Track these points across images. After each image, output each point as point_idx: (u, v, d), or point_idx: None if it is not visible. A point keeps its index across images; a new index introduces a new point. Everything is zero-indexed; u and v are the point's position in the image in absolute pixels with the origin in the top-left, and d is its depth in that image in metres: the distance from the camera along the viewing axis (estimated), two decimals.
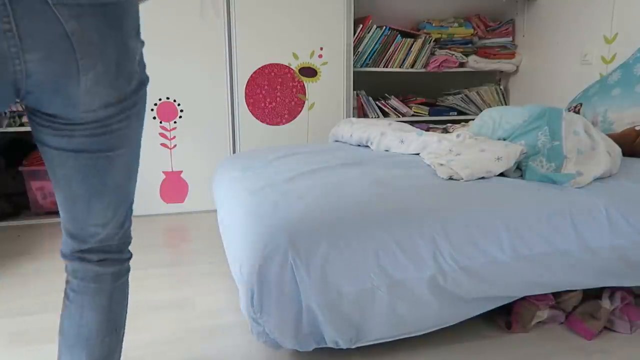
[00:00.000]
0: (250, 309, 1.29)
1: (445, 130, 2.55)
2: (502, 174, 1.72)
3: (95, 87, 0.79)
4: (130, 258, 1.05)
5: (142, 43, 0.87)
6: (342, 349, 1.43)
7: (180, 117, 2.83)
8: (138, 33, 0.84)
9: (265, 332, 1.34)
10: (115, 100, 0.82)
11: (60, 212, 0.96)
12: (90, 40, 0.75)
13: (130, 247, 1.05)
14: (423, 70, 3.29)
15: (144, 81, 0.88)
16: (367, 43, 3.13)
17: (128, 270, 1.04)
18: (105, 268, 0.98)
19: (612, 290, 1.64)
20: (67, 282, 0.98)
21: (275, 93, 2.97)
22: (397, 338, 1.43)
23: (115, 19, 0.77)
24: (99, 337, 0.97)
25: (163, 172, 2.88)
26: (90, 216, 0.94)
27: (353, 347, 1.40)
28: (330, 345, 1.38)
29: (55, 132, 0.84)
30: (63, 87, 0.77)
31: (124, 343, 1.10)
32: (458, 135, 2.05)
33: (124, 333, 1.05)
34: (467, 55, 3.38)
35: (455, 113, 3.43)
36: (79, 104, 0.80)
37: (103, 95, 0.80)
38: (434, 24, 3.32)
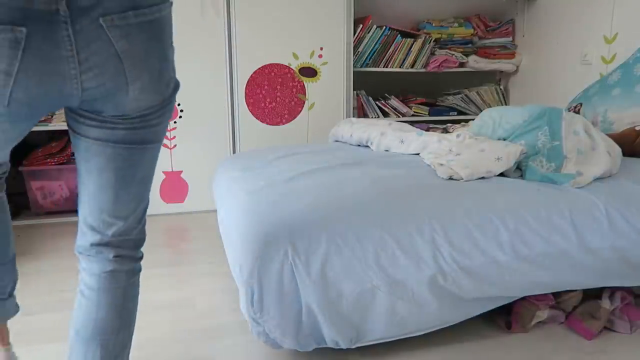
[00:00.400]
0: (250, 308, 1.29)
1: (445, 130, 2.55)
2: (502, 174, 1.72)
3: (141, 94, 0.87)
4: (142, 258, 1.09)
5: (174, 49, 0.94)
6: (342, 349, 1.43)
7: (181, 117, 2.83)
8: (172, 42, 0.92)
9: (265, 332, 1.34)
10: (158, 103, 0.91)
11: (84, 204, 1.00)
12: (137, 55, 0.83)
13: (143, 248, 1.10)
14: (423, 70, 3.29)
15: (177, 84, 0.97)
16: (367, 43, 3.13)
17: (140, 269, 1.09)
18: (120, 265, 1.03)
19: (612, 290, 1.64)
20: (82, 279, 1.03)
21: (275, 93, 2.97)
22: (397, 338, 1.43)
23: (158, 33, 0.85)
24: (114, 332, 1.02)
25: (163, 172, 2.88)
26: (116, 206, 0.99)
27: (353, 347, 1.40)
28: (330, 345, 1.38)
29: (99, 125, 0.91)
30: (112, 96, 0.85)
31: None
32: (458, 135, 2.05)
33: (134, 328, 1.09)
34: (467, 55, 3.38)
35: (455, 113, 3.43)
36: (128, 109, 0.88)
37: (148, 100, 0.89)
38: (434, 24, 3.32)
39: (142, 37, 0.83)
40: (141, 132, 0.93)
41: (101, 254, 1.02)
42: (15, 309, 1.22)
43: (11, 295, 1.19)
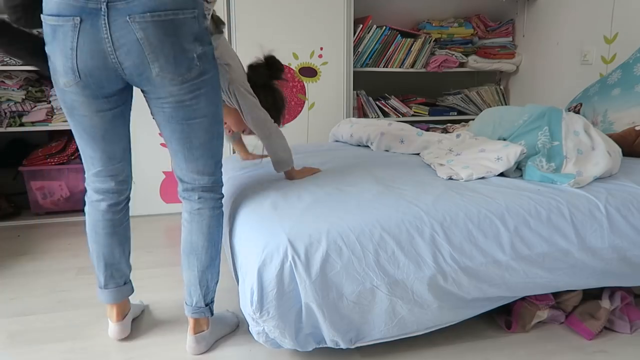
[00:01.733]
0: (250, 308, 1.29)
1: (445, 130, 2.55)
2: (502, 174, 1.72)
3: (162, 72, 1.20)
4: (221, 197, 1.46)
5: (205, 46, 1.24)
6: (342, 349, 1.43)
7: None
8: (197, 39, 1.21)
9: (265, 332, 1.34)
10: (179, 81, 1.22)
11: (172, 162, 1.41)
12: (152, 43, 1.16)
13: (220, 193, 1.46)
14: (423, 70, 3.29)
15: (203, 71, 1.24)
16: (367, 43, 3.13)
17: (221, 205, 1.46)
18: (202, 204, 1.41)
19: (612, 290, 1.64)
20: (182, 214, 1.45)
21: None
22: (397, 338, 1.43)
23: (171, 29, 1.16)
24: (202, 249, 1.42)
25: (163, 172, 2.88)
26: (188, 165, 1.37)
27: (353, 347, 1.40)
28: (330, 345, 1.38)
29: (156, 106, 1.30)
30: (143, 72, 1.20)
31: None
32: (458, 136, 2.05)
33: (221, 247, 1.47)
34: (467, 55, 3.38)
35: (455, 113, 3.43)
36: (156, 83, 1.22)
37: (168, 78, 1.21)
38: (434, 24, 3.32)
39: (157, 31, 1.14)
40: (182, 112, 1.27)
41: (189, 197, 1.43)
42: (131, 291, 1.61)
43: (126, 282, 1.59)
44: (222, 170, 1.45)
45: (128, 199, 1.53)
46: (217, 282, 1.49)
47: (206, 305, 1.47)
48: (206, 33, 1.25)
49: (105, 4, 1.12)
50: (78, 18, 1.14)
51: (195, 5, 1.18)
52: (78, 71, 1.20)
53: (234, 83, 1.59)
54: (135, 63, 1.18)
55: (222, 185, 1.46)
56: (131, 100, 1.41)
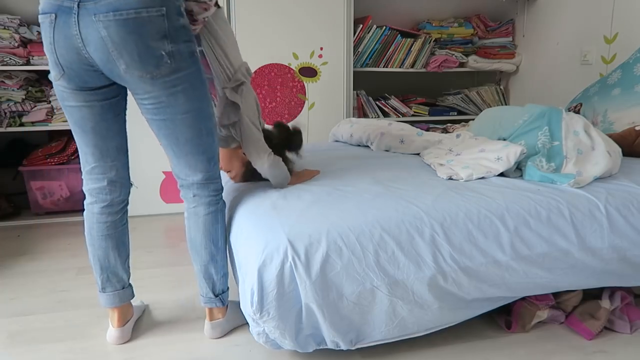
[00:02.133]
0: (250, 309, 1.29)
1: (445, 130, 2.55)
2: (502, 174, 1.72)
3: (129, 69, 1.22)
4: (217, 195, 1.47)
5: (179, 44, 1.24)
6: (342, 351, 1.43)
7: None
8: (166, 36, 1.21)
9: (265, 332, 1.34)
10: (149, 77, 1.24)
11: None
12: (114, 41, 1.19)
13: (216, 191, 1.47)
14: (423, 70, 3.29)
15: (177, 69, 1.25)
16: (367, 43, 3.13)
17: (217, 203, 1.47)
18: (197, 202, 1.45)
19: (612, 290, 1.64)
20: (184, 211, 1.49)
21: (275, 93, 2.97)
22: (398, 339, 1.43)
23: (133, 27, 1.18)
24: (200, 246, 1.47)
25: (163, 172, 2.88)
26: (179, 160, 1.40)
27: (353, 348, 1.40)
28: (330, 346, 1.38)
29: (139, 104, 1.33)
30: (112, 68, 1.24)
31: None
32: (458, 136, 2.05)
33: (223, 246, 1.50)
34: (467, 55, 3.38)
35: (455, 113, 3.42)
36: (128, 80, 1.25)
37: (137, 75, 1.23)
38: (434, 24, 3.32)
39: (119, 29, 1.18)
40: (162, 110, 1.29)
41: (185, 196, 1.47)
42: (131, 295, 1.61)
43: (125, 287, 1.58)
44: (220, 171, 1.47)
45: (124, 202, 1.53)
46: (225, 274, 1.53)
47: (216, 295, 1.52)
48: (181, 30, 1.24)
49: (77, 3, 1.18)
50: (54, 15, 1.21)
51: (163, 3, 1.19)
52: (61, 65, 1.26)
53: (242, 116, 1.57)
54: (103, 59, 1.22)
55: (219, 183, 1.47)
56: (124, 100, 1.43)
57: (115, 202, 1.49)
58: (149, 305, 1.79)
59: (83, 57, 1.23)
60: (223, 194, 1.52)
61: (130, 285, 1.60)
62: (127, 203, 1.55)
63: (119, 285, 1.55)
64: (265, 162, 1.58)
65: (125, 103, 1.44)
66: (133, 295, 1.61)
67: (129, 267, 1.59)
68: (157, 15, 1.19)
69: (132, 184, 1.55)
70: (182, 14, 1.25)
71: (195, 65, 1.30)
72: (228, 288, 1.57)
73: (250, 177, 1.70)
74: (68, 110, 1.36)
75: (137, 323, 1.67)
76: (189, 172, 1.41)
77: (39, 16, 1.25)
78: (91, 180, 1.46)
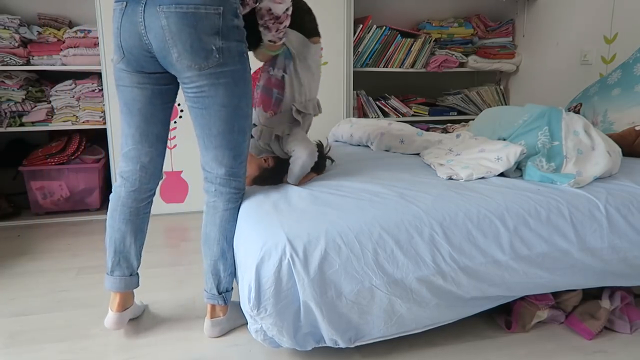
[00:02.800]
0: (247, 305, 1.30)
1: (445, 130, 2.55)
2: (502, 174, 1.72)
3: (180, 58, 1.33)
4: (239, 193, 1.52)
5: (230, 42, 1.35)
6: (342, 349, 1.43)
7: (181, 117, 2.82)
8: (219, 33, 1.32)
9: (263, 329, 1.34)
10: (196, 68, 1.34)
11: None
12: (172, 30, 1.30)
13: (237, 189, 1.51)
14: (423, 70, 3.29)
15: (223, 63, 1.35)
16: (367, 43, 3.13)
17: (237, 201, 1.52)
18: (218, 197, 1.50)
19: (612, 290, 1.64)
20: (204, 205, 1.54)
21: None
22: (397, 336, 1.43)
23: (191, 21, 1.29)
24: (214, 241, 1.51)
25: (164, 172, 2.88)
26: (207, 152, 1.47)
27: (352, 346, 1.40)
28: (329, 344, 1.38)
29: (184, 91, 1.42)
30: (166, 55, 1.34)
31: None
32: (458, 136, 2.05)
33: (233, 245, 1.52)
34: (467, 55, 3.38)
35: (455, 113, 3.42)
36: (178, 68, 1.36)
37: (186, 64, 1.33)
38: (434, 24, 3.32)
39: (177, 21, 1.29)
40: (201, 100, 1.38)
41: (208, 189, 1.52)
42: (136, 284, 1.64)
43: (132, 274, 1.61)
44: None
45: (152, 192, 1.58)
46: (232, 273, 1.54)
47: (219, 293, 1.53)
48: (234, 30, 1.35)
49: None
50: (125, 3, 1.34)
51: (221, 3, 1.31)
52: (122, 49, 1.38)
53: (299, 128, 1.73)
54: (159, 46, 1.33)
55: (241, 182, 1.52)
56: (174, 91, 1.50)
57: (143, 189, 1.54)
58: (149, 305, 1.79)
59: (144, 43, 1.34)
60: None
61: (137, 274, 1.62)
62: (154, 193, 1.59)
63: (128, 272, 1.58)
64: (307, 149, 1.65)
65: (175, 95, 1.51)
66: (138, 285, 1.63)
67: (141, 255, 1.61)
68: (213, 13, 1.30)
69: (163, 176, 1.61)
70: (237, 16, 1.36)
71: (242, 64, 1.39)
72: (232, 288, 1.57)
73: (261, 182, 1.71)
74: (121, 90, 1.46)
75: (137, 323, 1.67)
76: (215, 165, 1.46)
77: (114, 4, 1.38)
78: (125, 163, 1.52)
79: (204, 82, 1.35)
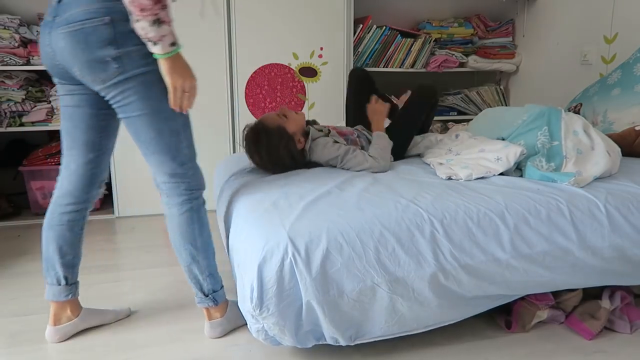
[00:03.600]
0: (249, 305, 1.29)
1: (445, 126, 2.55)
2: (501, 174, 1.72)
3: (82, 74, 1.33)
4: (189, 197, 1.46)
5: (126, 47, 1.28)
6: (342, 349, 1.43)
7: None
8: (111, 43, 1.27)
9: (264, 329, 1.34)
10: (100, 82, 1.32)
11: None
12: (69, 50, 1.30)
13: (189, 190, 1.45)
14: (423, 70, 3.29)
15: (125, 70, 1.29)
16: (367, 43, 3.13)
17: (190, 202, 1.46)
18: (168, 203, 1.46)
19: (612, 290, 1.64)
20: None
21: (275, 93, 2.97)
22: (397, 335, 1.43)
23: (80, 38, 1.27)
24: (180, 247, 1.48)
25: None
26: (147, 159, 1.43)
27: (352, 344, 1.40)
28: (329, 342, 1.38)
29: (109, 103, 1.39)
30: (72, 74, 1.35)
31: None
32: (457, 136, 2.05)
33: (205, 246, 1.49)
34: (467, 55, 3.38)
35: (455, 113, 3.43)
36: (86, 84, 1.36)
37: (89, 78, 1.33)
38: (434, 24, 3.32)
39: (70, 40, 1.29)
40: (122, 109, 1.35)
41: (161, 196, 1.48)
42: (66, 296, 1.58)
43: (60, 283, 1.57)
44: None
45: (79, 203, 1.52)
46: (211, 274, 1.52)
47: (206, 295, 1.53)
48: (130, 35, 1.26)
49: (53, 17, 1.32)
50: (41, 25, 1.39)
51: (108, 13, 1.26)
52: (49, 65, 1.41)
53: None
54: (66, 66, 1.34)
55: (191, 182, 1.46)
56: (97, 106, 1.45)
57: (69, 196, 1.51)
58: (149, 305, 1.79)
59: (55, 61, 1.36)
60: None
61: (69, 285, 1.56)
62: (86, 207, 1.54)
63: (55, 281, 1.55)
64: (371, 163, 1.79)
65: (100, 111, 1.46)
66: (69, 296, 1.56)
67: (71, 267, 1.56)
68: (101, 24, 1.26)
69: (99, 191, 1.55)
70: (129, 20, 1.26)
71: (148, 66, 1.30)
72: (222, 287, 1.57)
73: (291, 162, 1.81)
74: (60, 99, 1.48)
75: (137, 323, 1.67)
76: (156, 171, 1.43)
77: None
78: (61, 167, 1.52)
79: (114, 92, 1.32)
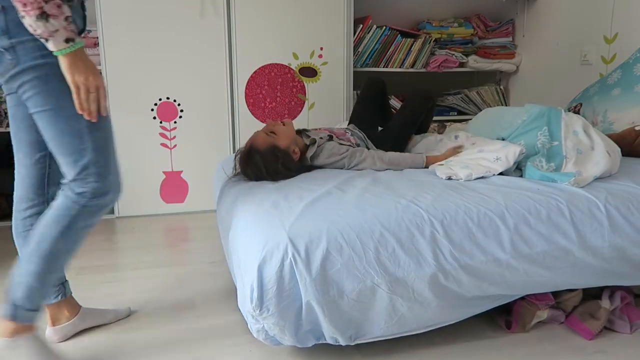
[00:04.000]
0: (250, 306, 1.29)
1: (443, 125, 2.55)
2: (501, 174, 1.72)
3: None
4: (79, 204, 1.31)
5: (18, 37, 1.18)
6: (342, 349, 1.43)
7: (181, 117, 2.83)
8: (4, 33, 1.18)
9: (265, 329, 1.34)
10: (0, 76, 1.25)
11: None
12: None
13: (80, 195, 1.30)
14: (423, 70, 3.29)
15: (19, 62, 1.21)
16: (367, 43, 3.13)
17: (77, 205, 1.30)
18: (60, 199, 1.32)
19: (612, 290, 1.64)
20: None
21: (275, 93, 2.97)
22: (397, 336, 1.43)
23: None
24: (37, 236, 1.36)
25: (163, 172, 2.88)
26: (56, 159, 1.31)
27: (352, 344, 1.40)
28: (329, 342, 1.38)
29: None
30: None
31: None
32: (456, 137, 2.05)
33: (52, 255, 1.40)
34: (467, 55, 3.38)
35: (455, 113, 3.43)
36: None
37: None
38: (434, 24, 3.32)
39: None
40: (26, 102, 1.25)
41: (57, 197, 1.34)
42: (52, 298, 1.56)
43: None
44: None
45: (34, 207, 1.46)
46: (32, 286, 1.41)
47: (10, 303, 1.39)
48: (19, 24, 1.15)
49: None
50: None
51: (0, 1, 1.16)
52: None
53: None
54: None
55: (89, 192, 1.30)
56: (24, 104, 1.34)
57: (24, 199, 1.45)
58: (149, 305, 1.79)
59: None
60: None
61: (56, 286, 1.54)
62: (35, 212, 1.45)
63: None
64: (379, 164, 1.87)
65: (27, 108, 1.36)
66: (58, 298, 1.55)
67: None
68: None
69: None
70: (17, 8, 1.16)
71: (45, 58, 1.20)
72: (34, 310, 1.39)
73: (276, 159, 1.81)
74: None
75: (137, 322, 1.67)
76: (64, 171, 1.30)
77: None
78: (15, 173, 1.46)
79: (14, 86, 1.24)
